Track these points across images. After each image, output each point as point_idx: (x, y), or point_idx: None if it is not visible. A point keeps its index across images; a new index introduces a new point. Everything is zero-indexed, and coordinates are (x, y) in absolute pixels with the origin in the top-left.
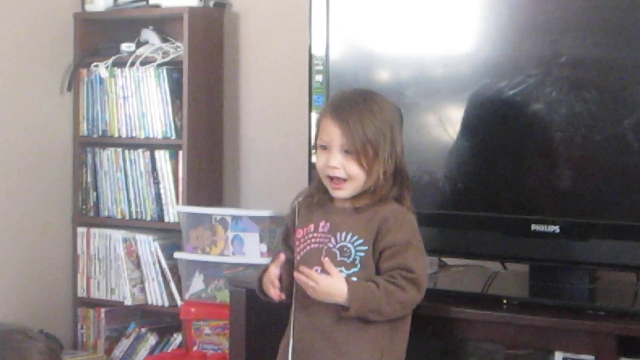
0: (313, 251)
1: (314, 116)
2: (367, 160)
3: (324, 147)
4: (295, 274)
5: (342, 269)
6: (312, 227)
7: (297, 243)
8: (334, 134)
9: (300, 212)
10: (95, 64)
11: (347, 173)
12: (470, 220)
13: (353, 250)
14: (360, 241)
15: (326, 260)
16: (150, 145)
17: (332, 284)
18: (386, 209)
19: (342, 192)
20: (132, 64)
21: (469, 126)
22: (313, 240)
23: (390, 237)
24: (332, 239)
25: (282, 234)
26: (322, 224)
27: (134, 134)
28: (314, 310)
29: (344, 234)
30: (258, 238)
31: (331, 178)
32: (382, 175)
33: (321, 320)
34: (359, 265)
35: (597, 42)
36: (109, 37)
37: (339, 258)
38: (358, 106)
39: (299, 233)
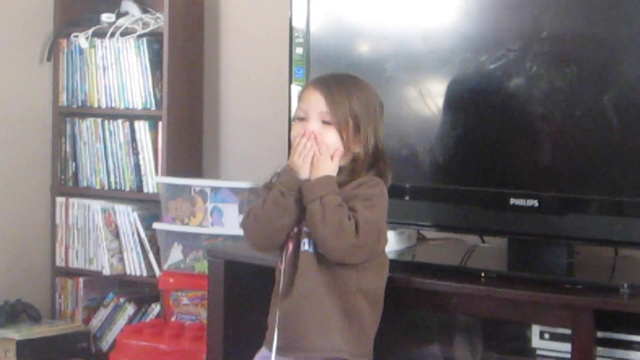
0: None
1: (294, 88)
2: (347, 133)
3: (302, 119)
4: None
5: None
6: None
7: None
8: (314, 100)
9: None
10: (75, 34)
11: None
12: (449, 194)
13: None
14: None
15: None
16: (130, 116)
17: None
18: (366, 177)
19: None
20: (112, 35)
21: (449, 100)
22: None
23: (356, 190)
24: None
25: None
26: None
27: (113, 105)
28: (297, 275)
29: None
30: (237, 209)
31: None
32: (362, 153)
33: (303, 283)
34: None
35: (578, 17)
36: (89, 8)
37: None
38: (345, 81)
39: None
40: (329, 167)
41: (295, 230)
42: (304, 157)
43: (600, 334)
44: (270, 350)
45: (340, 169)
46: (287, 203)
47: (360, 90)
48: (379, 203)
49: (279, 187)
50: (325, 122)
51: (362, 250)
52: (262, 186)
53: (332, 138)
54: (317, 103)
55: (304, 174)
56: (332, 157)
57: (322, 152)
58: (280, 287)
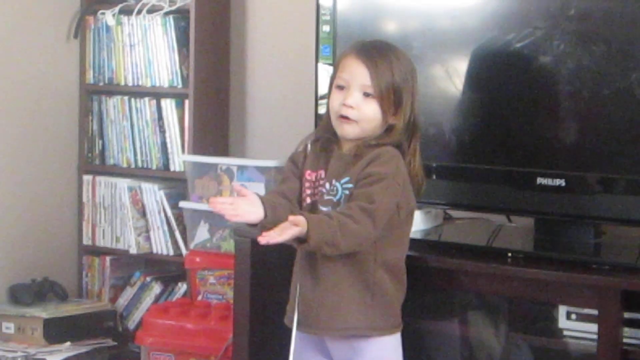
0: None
1: (321, 66)
2: (387, 105)
3: (341, 87)
4: (210, 204)
5: (329, 207)
6: (322, 173)
7: (306, 184)
8: (358, 72)
9: (308, 155)
10: (102, 11)
11: (360, 115)
12: (475, 173)
13: (340, 189)
14: (347, 179)
15: (236, 186)
16: (157, 94)
17: (249, 202)
18: (382, 148)
19: (350, 129)
20: (139, 12)
21: (476, 78)
22: (317, 189)
23: (369, 168)
24: (327, 185)
25: (287, 168)
26: (322, 172)
27: (140, 83)
28: (314, 259)
29: (334, 180)
30: (264, 188)
31: (342, 117)
32: (400, 124)
33: (323, 262)
34: (342, 205)
35: None
36: None
37: (325, 197)
38: (386, 52)
39: (310, 175)
40: (297, 229)
41: (309, 201)
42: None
43: (627, 315)
44: (290, 325)
45: (370, 141)
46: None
47: (400, 61)
48: (394, 181)
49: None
50: (366, 94)
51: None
52: (287, 160)
53: (372, 110)
54: (361, 74)
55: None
56: (336, 130)
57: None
58: (300, 269)
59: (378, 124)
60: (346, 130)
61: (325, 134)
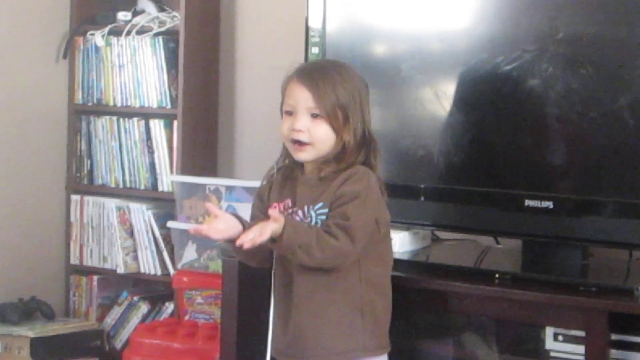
0: None
1: None
2: (337, 124)
3: (290, 113)
4: (193, 233)
5: None
6: (288, 202)
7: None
8: (300, 96)
9: (273, 186)
10: (91, 32)
11: (312, 137)
12: (464, 195)
13: (314, 216)
14: (320, 204)
15: (208, 204)
16: (145, 114)
17: (224, 220)
18: (351, 169)
19: (305, 154)
20: (128, 33)
21: (464, 101)
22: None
23: (342, 188)
24: (300, 212)
25: (254, 205)
26: (289, 201)
27: (129, 103)
28: (293, 280)
29: (307, 207)
30: None
31: (294, 142)
32: (352, 141)
33: (299, 287)
34: None
35: (594, 18)
36: (105, 6)
37: None
38: (327, 71)
39: (275, 207)
40: (270, 227)
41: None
42: (221, 234)
43: (614, 337)
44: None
45: (331, 159)
46: (244, 255)
47: (344, 78)
48: (368, 197)
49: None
50: (314, 115)
51: (361, 248)
52: (254, 196)
53: (323, 131)
54: (304, 98)
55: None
56: (293, 154)
57: (261, 230)
58: (275, 292)
59: (332, 143)
60: (302, 156)
61: (285, 163)
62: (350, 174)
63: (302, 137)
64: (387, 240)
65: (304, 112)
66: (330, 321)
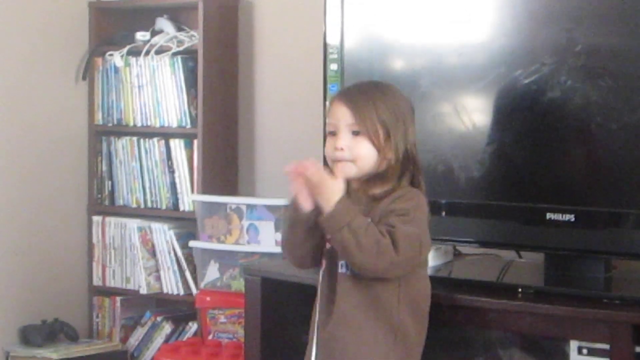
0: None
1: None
2: (377, 140)
3: (332, 133)
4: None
5: None
6: None
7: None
8: (340, 113)
9: None
10: (110, 52)
11: (353, 155)
12: (485, 209)
13: None
14: (369, 220)
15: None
16: (165, 134)
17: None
18: (403, 189)
19: (346, 168)
20: (147, 53)
21: (483, 115)
22: None
23: (392, 205)
24: None
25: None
26: None
27: (148, 123)
28: (336, 295)
29: None
30: (273, 227)
31: (337, 161)
32: (394, 159)
33: (338, 305)
34: None
35: (612, 30)
36: (124, 26)
37: None
38: (369, 90)
39: None
40: (336, 188)
41: (328, 246)
42: (298, 192)
43: (638, 349)
44: None
45: (374, 178)
46: (298, 236)
47: (386, 95)
48: (416, 216)
49: (287, 222)
50: (355, 133)
51: (404, 265)
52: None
53: (365, 148)
54: (344, 115)
55: (307, 206)
56: (335, 174)
57: (322, 177)
58: (318, 309)
59: (374, 161)
60: (343, 171)
61: None
62: (401, 194)
63: (345, 155)
64: (425, 267)
65: (344, 130)
66: (367, 341)
